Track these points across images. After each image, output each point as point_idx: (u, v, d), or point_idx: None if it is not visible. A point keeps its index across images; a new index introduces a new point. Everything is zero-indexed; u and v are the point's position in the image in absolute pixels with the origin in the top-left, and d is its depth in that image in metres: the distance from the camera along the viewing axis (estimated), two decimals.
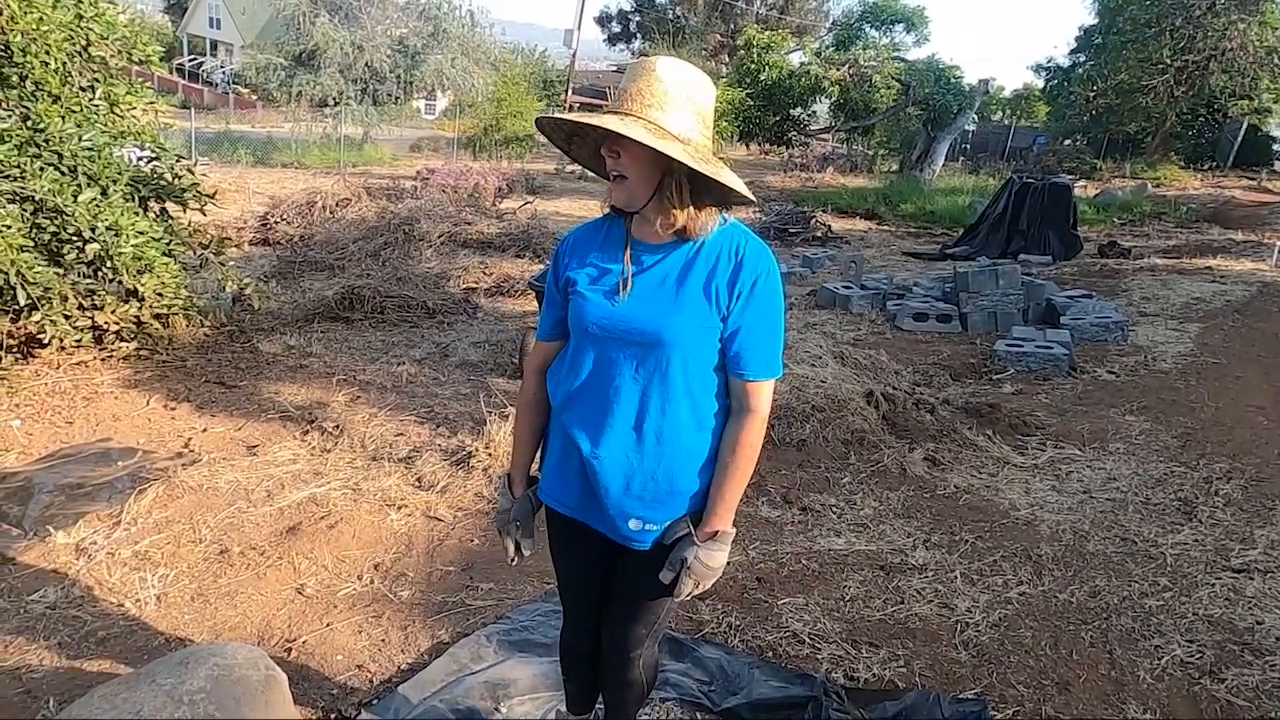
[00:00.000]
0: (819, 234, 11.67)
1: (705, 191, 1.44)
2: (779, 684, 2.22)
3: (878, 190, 16.03)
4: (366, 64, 19.30)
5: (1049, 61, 25.64)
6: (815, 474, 3.57)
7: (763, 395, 1.50)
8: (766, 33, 19.32)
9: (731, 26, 32.02)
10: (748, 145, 21.81)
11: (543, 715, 2.16)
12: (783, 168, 21.22)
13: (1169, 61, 19.04)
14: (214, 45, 38.10)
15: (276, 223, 8.81)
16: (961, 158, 23.29)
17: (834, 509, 3.31)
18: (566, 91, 29.62)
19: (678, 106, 1.43)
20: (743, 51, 19.62)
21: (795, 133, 19.95)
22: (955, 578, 2.82)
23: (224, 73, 33.10)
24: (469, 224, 9.08)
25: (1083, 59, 23.38)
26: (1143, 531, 3.18)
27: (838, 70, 17.26)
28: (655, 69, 1.43)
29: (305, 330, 5.61)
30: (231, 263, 5.48)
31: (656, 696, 2.20)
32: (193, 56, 36.67)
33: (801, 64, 18.45)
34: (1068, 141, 24.77)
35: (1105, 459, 3.85)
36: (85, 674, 2.25)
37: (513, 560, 1.74)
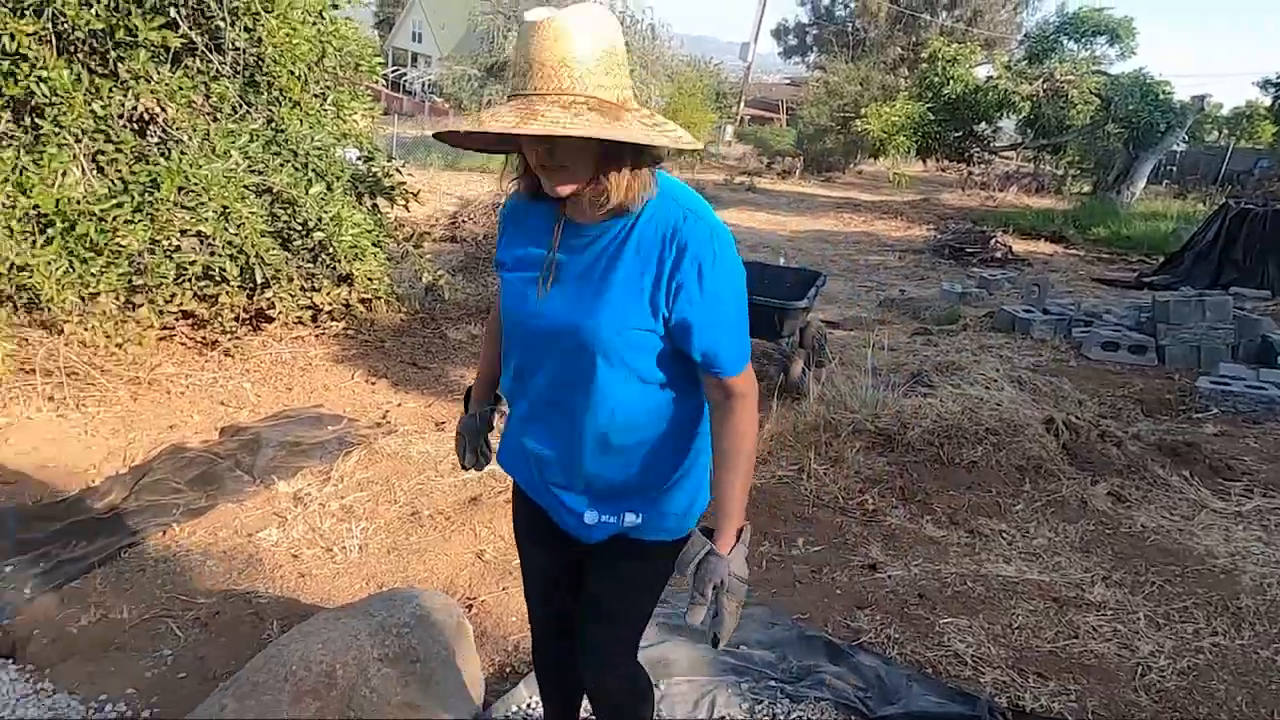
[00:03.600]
0: (998, 255, 11.11)
1: (642, 152, 1.23)
2: (938, 699, 2.20)
3: (1066, 212, 15.01)
4: None
5: (1279, 76, 23.03)
6: (985, 498, 3.45)
7: (743, 382, 1.33)
8: (954, 46, 18.57)
9: (913, 39, 31.00)
10: (925, 161, 21.05)
11: (697, 698, 2.24)
12: (961, 185, 20.30)
13: None
14: (414, 57, 41.20)
15: (464, 222, 9.45)
16: (1166, 180, 21.34)
17: (1004, 535, 3.19)
18: (739, 104, 29.76)
19: (606, 68, 1.19)
20: (925, 64, 18.97)
21: (978, 149, 19.05)
22: (1138, 619, 2.65)
23: (422, 83, 35.71)
24: None
25: None
26: None
27: (1029, 84, 16.32)
28: (570, 29, 1.15)
29: (487, 321, 6.00)
30: (427, 256, 5.95)
31: (812, 695, 2.24)
32: (395, 67, 39.84)
33: (989, 78, 17.60)
34: None
35: None
36: (301, 605, 2.56)
37: (465, 469, 1.71)
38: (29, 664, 2.30)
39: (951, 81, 17.07)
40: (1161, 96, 15.40)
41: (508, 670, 2.33)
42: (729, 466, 1.33)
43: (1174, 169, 22.18)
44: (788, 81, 38.61)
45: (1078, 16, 17.99)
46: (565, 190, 1.23)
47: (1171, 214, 14.57)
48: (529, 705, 2.15)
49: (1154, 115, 15.13)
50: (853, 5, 33.11)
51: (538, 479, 1.47)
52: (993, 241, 11.49)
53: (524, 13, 1.21)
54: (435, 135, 1.32)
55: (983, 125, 18.11)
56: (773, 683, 2.29)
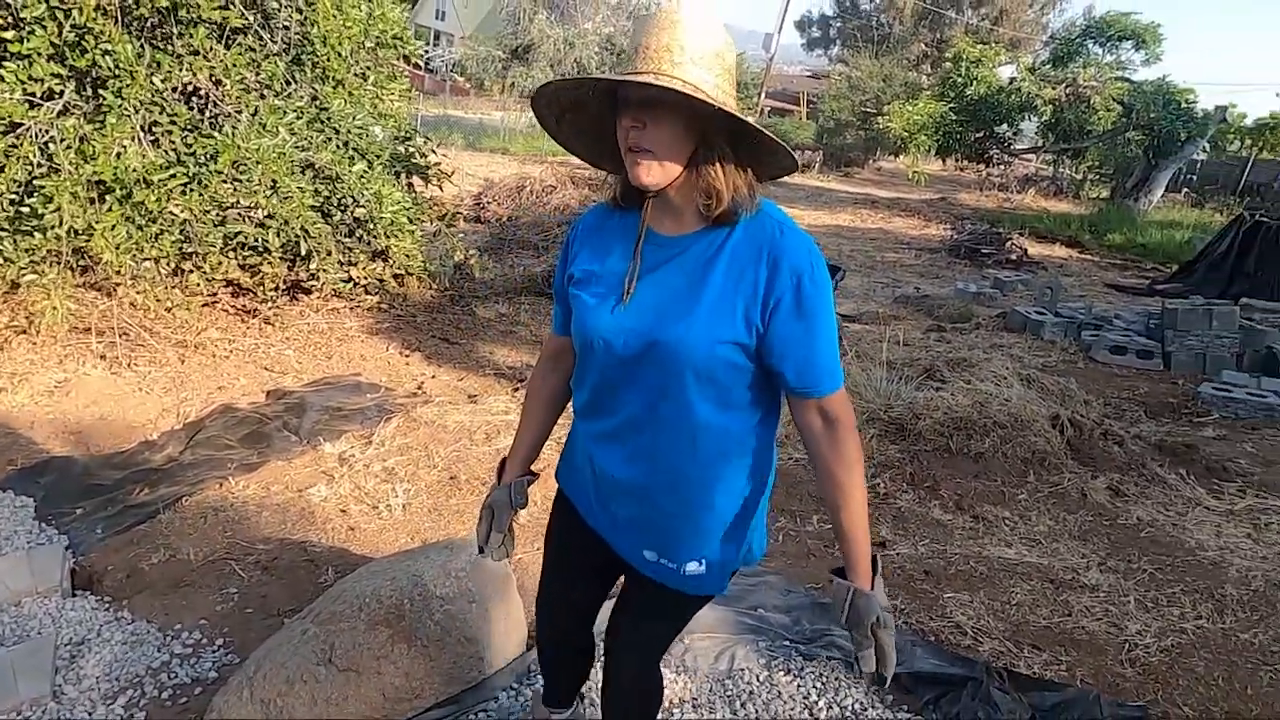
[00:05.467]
0: (1013, 257, 11.23)
1: (745, 162, 1.23)
2: (939, 662, 2.39)
3: (1083, 217, 15.10)
4: (575, 60, 20.36)
5: None
6: (990, 486, 3.63)
7: (841, 404, 1.27)
8: (979, 46, 18.57)
9: (938, 36, 30.92)
10: (944, 160, 21.08)
11: (718, 653, 2.44)
12: (979, 186, 20.35)
13: None
14: (437, 36, 41.25)
15: (489, 203, 9.63)
16: (1185, 189, 21.34)
17: (1007, 521, 3.38)
18: (760, 95, 29.73)
19: (709, 65, 1.18)
20: (950, 64, 18.99)
21: (997, 151, 19.10)
22: (1129, 602, 2.84)
23: (444, 61, 35.79)
24: None
25: None
26: None
27: (1052, 88, 16.35)
28: (682, 21, 1.18)
29: (514, 301, 6.19)
30: (459, 235, 6.14)
31: (823, 655, 2.43)
32: (420, 46, 39.92)
33: (1012, 79, 17.63)
34: None
35: None
36: (352, 555, 2.77)
37: (480, 551, 1.59)
38: (106, 595, 2.52)
39: (975, 82, 17.10)
40: (1184, 105, 15.41)
41: None
42: (850, 497, 1.26)
43: (1193, 178, 22.16)
44: (809, 74, 38.54)
45: (1104, 21, 17.97)
46: (650, 177, 1.20)
47: (1188, 223, 14.63)
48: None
49: (1175, 124, 15.15)
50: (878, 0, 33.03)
51: (595, 502, 1.43)
52: (1008, 243, 11.60)
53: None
54: (532, 99, 1.28)
55: (1004, 127, 18.13)
56: (787, 643, 2.49)
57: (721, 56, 1.20)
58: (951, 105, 17.30)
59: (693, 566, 1.37)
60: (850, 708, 2.24)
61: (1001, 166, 20.18)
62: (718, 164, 1.20)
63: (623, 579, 1.55)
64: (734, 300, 1.21)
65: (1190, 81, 16.18)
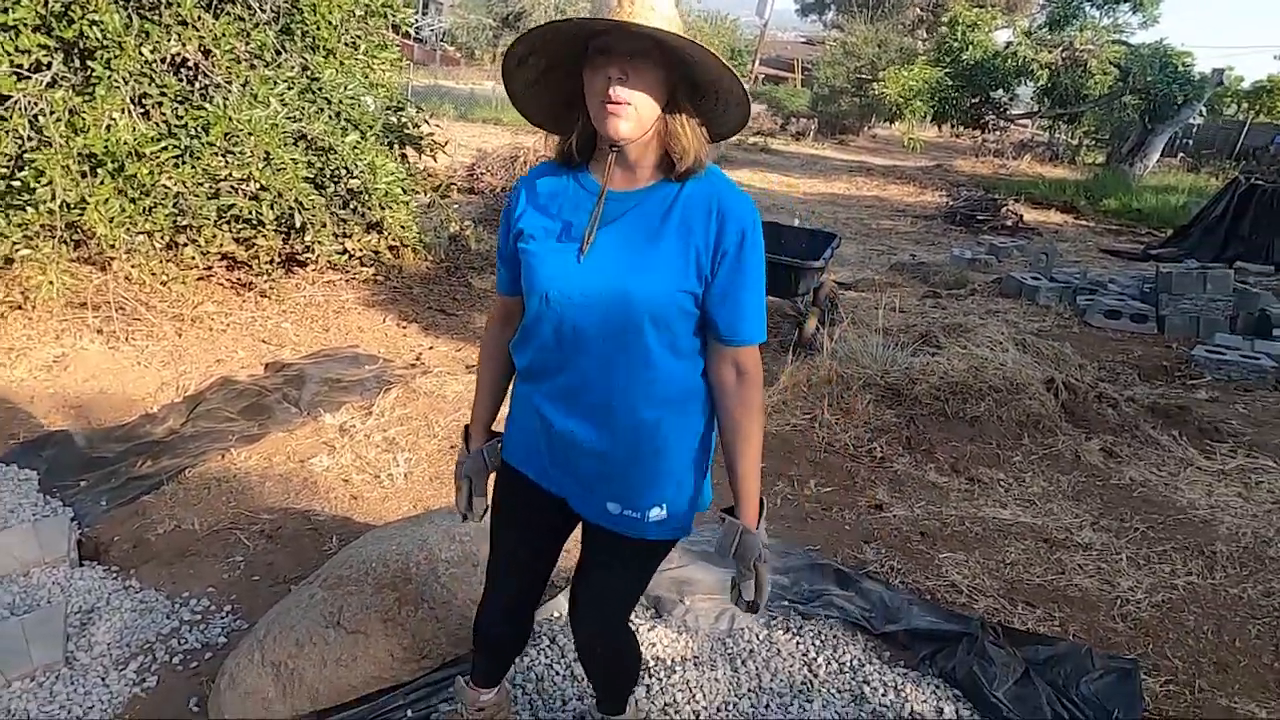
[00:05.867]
0: (1009, 223, 11.23)
1: (701, 120, 1.31)
2: (935, 619, 2.44)
3: (1078, 182, 15.07)
4: None
5: None
6: (986, 449, 3.67)
7: (755, 358, 1.37)
8: (974, 10, 18.37)
9: (933, 0, 30.56)
10: (939, 127, 20.95)
11: (719, 613, 2.48)
12: (974, 152, 20.27)
13: None
14: (426, 4, 40.62)
15: (482, 174, 9.57)
16: (1180, 154, 21.27)
17: (1001, 483, 3.42)
18: (754, 62, 29.42)
19: (673, 23, 1.23)
20: (945, 29, 18.79)
21: (993, 116, 18.98)
22: (1120, 560, 2.89)
23: (433, 30, 35.29)
24: None
25: None
26: None
27: (1048, 52, 16.21)
28: None
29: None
30: (454, 206, 6.12)
31: (821, 614, 2.48)
32: (408, 14, 39.31)
33: (1008, 44, 17.47)
34: None
35: None
36: (355, 523, 2.80)
37: (464, 518, 1.63)
38: (113, 565, 2.55)
39: (971, 47, 16.94)
40: (1181, 69, 15.31)
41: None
42: (747, 442, 1.36)
43: (1189, 142, 22.08)
44: (803, 40, 38.10)
45: None
46: (627, 129, 1.23)
47: (1183, 188, 14.61)
48: (559, 615, 2.38)
49: (1172, 88, 15.06)
50: None
51: (550, 464, 1.44)
52: (1004, 209, 11.60)
53: None
54: (511, 46, 1.29)
55: (999, 92, 18.00)
56: (785, 603, 2.53)
57: (676, 18, 1.25)
58: (947, 71, 17.16)
59: (656, 512, 1.41)
60: (848, 664, 2.29)
61: (997, 132, 20.08)
62: (683, 117, 1.28)
63: (579, 549, 1.57)
64: (688, 252, 1.29)
65: (1188, 44, 16.07)
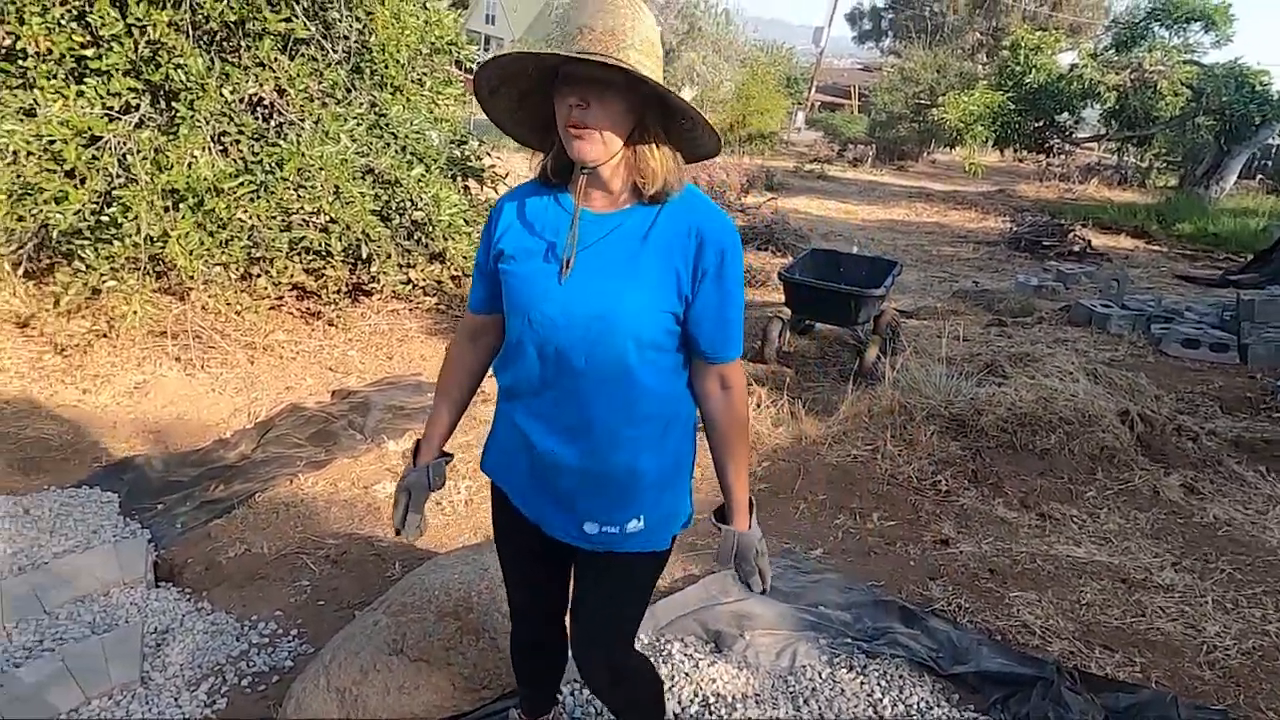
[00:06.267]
0: (1076, 249, 10.91)
1: (674, 145, 1.32)
2: (1007, 661, 2.34)
3: (1150, 206, 14.59)
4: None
5: None
6: (1057, 484, 3.54)
7: (738, 371, 1.42)
8: (1037, 33, 18.07)
9: (994, 24, 30.17)
10: (1001, 151, 20.57)
11: (780, 649, 2.43)
12: (1038, 177, 19.82)
13: None
14: (487, 40, 41.81)
15: None
16: (1260, 175, 20.46)
17: (1075, 519, 3.29)
18: (810, 89, 29.43)
19: (648, 52, 1.25)
20: (1007, 52, 18.52)
21: (1058, 140, 18.56)
22: (1206, 603, 2.74)
23: None
24: None
25: None
26: None
27: (1116, 74, 15.82)
28: (626, 7, 1.25)
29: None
30: None
31: (886, 653, 2.41)
32: (471, 50, 40.51)
33: (1073, 66, 17.11)
34: None
35: None
36: (417, 549, 2.83)
37: (397, 532, 1.57)
38: (187, 587, 2.62)
39: (1034, 71, 16.64)
40: (1258, 88, 14.78)
41: None
42: (734, 451, 1.43)
43: (1269, 164, 21.23)
44: (860, 66, 38.01)
45: (1170, 2, 17.32)
46: (592, 153, 1.25)
47: (1263, 211, 14.03)
48: None
49: (1249, 107, 14.53)
50: None
51: (530, 484, 1.45)
52: (1070, 235, 11.28)
53: None
54: (475, 75, 1.32)
55: (1065, 115, 17.61)
56: (849, 640, 2.47)
57: (656, 44, 1.28)
58: (1009, 94, 16.87)
59: (633, 524, 1.42)
60: (916, 706, 2.21)
61: (1062, 156, 19.62)
62: (653, 144, 1.29)
63: (572, 587, 1.57)
64: (668, 273, 1.31)
65: (1265, 63, 15.48)
